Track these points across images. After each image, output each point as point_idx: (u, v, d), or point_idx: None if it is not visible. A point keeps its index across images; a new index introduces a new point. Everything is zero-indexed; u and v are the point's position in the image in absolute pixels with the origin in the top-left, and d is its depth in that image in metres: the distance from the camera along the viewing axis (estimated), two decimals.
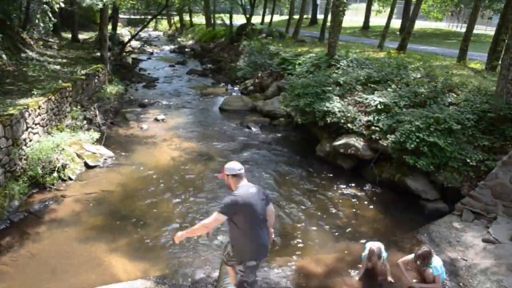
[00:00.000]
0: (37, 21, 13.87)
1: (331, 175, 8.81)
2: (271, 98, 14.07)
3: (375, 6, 30.18)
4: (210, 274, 5.45)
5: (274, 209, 4.11)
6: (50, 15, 10.27)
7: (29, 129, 7.78)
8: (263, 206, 3.82)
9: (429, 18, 22.96)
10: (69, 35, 21.11)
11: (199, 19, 39.49)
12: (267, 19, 28.92)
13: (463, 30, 17.96)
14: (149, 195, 7.60)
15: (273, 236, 4.11)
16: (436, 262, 5.17)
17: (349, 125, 9.14)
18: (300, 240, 6.40)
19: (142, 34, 32.98)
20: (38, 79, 10.55)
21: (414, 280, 5.40)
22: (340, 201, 7.72)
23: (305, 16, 29.77)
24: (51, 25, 10.45)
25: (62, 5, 10.41)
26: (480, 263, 5.60)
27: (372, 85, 10.29)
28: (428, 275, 5.15)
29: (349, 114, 9.31)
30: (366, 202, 7.70)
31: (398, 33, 23.93)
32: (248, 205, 3.62)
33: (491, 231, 6.10)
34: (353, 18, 37.77)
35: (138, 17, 34.03)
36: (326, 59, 12.98)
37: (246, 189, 3.74)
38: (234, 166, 3.85)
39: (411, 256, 5.35)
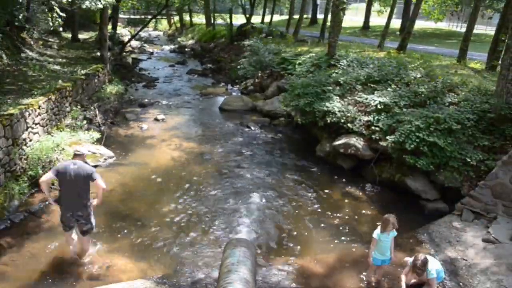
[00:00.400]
0: (44, 20, 13.78)
1: (331, 175, 8.81)
2: (271, 98, 14.08)
3: (375, 7, 30.17)
4: (210, 274, 5.45)
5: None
6: (58, 10, 10.19)
7: (29, 129, 7.78)
8: (79, 179, 5.25)
9: (430, 18, 22.89)
10: (69, 35, 21.10)
11: (199, 19, 39.49)
12: (267, 19, 28.91)
13: (463, 30, 17.95)
14: (149, 194, 7.60)
15: (98, 201, 5.50)
16: (431, 265, 5.12)
17: (349, 125, 9.14)
18: (300, 240, 6.40)
19: (142, 34, 32.94)
20: (38, 79, 10.55)
21: (413, 280, 5.40)
22: (340, 201, 7.72)
23: (305, 16, 29.76)
24: (60, 21, 10.35)
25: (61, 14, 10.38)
26: (480, 262, 5.60)
27: (372, 85, 10.29)
28: (425, 277, 5.15)
29: (349, 114, 9.31)
30: (366, 202, 7.70)
31: (398, 33, 23.93)
32: (62, 173, 5.24)
33: (491, 231, 6.10)
34: (353, 18, 37.76)
35: (138, 17, 34.02)
36: (326, 59, 12.98)
37: (67, 163, 5.37)
38: (76, 148, 5.87)
39: (410, 261, 5.33)
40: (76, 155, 5.53)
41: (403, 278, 5.34)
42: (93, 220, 5.55)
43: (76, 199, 5.33)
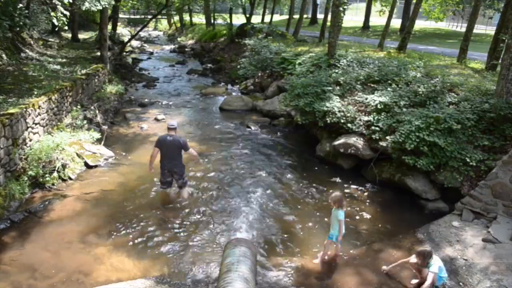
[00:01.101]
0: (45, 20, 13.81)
1: (331, 174, 8.81)
2: (271, 98, 14.08)
3: (376, 6, 30.17)
4: (210, 273, 5.45)
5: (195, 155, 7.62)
6: (62, 9, 10.22)
7: (29, 129, 7.78)
8: (173, 147, 7.10)
9: (430, 18, 22.85)
10: (69, 35, 21.13)
11: (199, 18, 39.51)
12: (267, 18, 28.92)
13: (463, 29, 17.95)
14: (149, 194, 7.59)
15: (196, 160, 8.10)
16: (434, 262, 5.17)
17: (349, 125, 9.14)
18: (300, 239, 6.41)
19: (142, 34, 32.98)
20: (38, 78, 10.55)
21: (415, 281, 5.40)
22: None
23: (305, 16, 29.76)
24: (65, 20, 10.39)
25: (65, 12, 10.41)
26: (480, 262, 5.60)
27: (372, 85, 10.29)
28: (426, 273, 5.16)
29: (349, 114, 9.31)
30: (366, 202, 7.70)
31: (398, 32, 23.93)
32: (162, 143, 7.14)
33: (491, 230, 6.10)
34: (353, 18, 37.82)
35: (138, 17, 34.06)
36: (326, 59, 12.97)
37: (165, 136, 7.18)
38: (169, 122, 7.36)
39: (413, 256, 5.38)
40: (170, 129, 7.16)
41: (400, 263, 5.46)
42: (186, 178, 7.49)
43: (172, 162, 7.18)
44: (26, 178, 7.29)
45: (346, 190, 8.10)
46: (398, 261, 5.59)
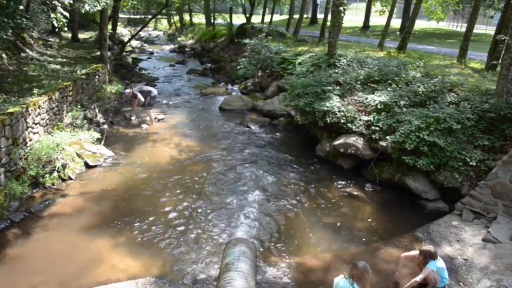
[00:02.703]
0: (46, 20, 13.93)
1: (331, 174, 8.81)
2: (271, 98, 14.06)
3: (377, 6, 30.19)
4: (210, 273, 5.46)
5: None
6: (62, 10, 10.28)
7: (29, 129, 7.78)
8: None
9: (431, 19, 22.81)
10: (69, 35, 21.12)
11: (199, 18, 39.51)
12: (267, 18, 28.92)
13: (463, 29, 17.94)
14: (149, 194, 7.61)
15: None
16: (437, 263, 5.17)
17: (349, 125, 9.14)
18: (300, 239, 6.41)
19: (142, 33, 32.98)
20: (38, 78, 10.56)
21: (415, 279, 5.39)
22: (340, 200, 7.72)
23: (305, 16, 29.75)
24: (65, 21, 10.46)
25: (65, 13, 10.47)
26: (480, 262, 5.60)
27: (372, 85, 10.29)
28: (429, 276, 5.16)
29: (349, 114, 9.31)
30: (366, 202, 7.71)
31: (398, 32, 23.93)
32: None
33: (491, 230, 6.11)
34: (353, 17, 37.83)
35: (138, 16, 34.03)
36: (326, 59, 12.97)
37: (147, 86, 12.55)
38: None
39: (416, 251, 5.38)
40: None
41: (403, 260, 5.41)
42: None
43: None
44: (26, 178, 7.29)
45: (346, 190, 8.11)
46: (401, 259, 5.47)
